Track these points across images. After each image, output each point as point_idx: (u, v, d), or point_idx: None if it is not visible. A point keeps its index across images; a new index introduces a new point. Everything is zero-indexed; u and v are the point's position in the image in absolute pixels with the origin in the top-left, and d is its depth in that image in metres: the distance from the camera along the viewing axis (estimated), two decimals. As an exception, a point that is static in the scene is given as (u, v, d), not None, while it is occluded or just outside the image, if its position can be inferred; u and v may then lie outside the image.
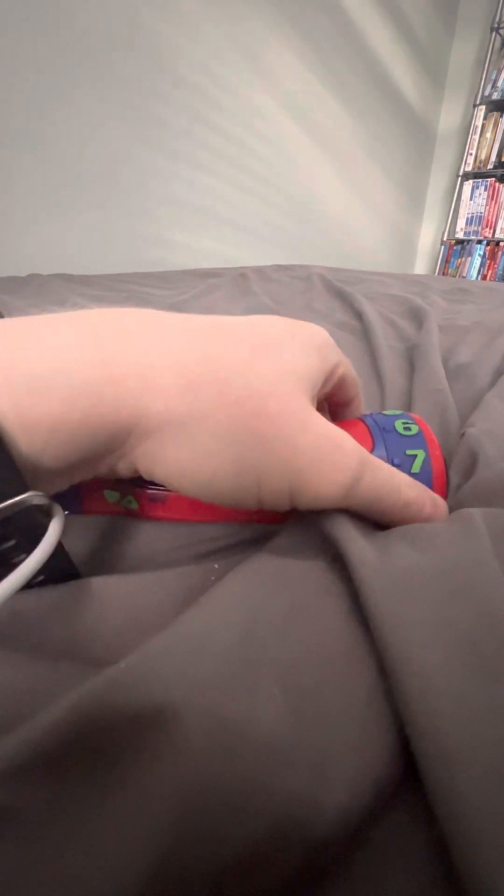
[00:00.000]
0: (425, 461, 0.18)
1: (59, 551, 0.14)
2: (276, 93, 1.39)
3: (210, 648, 0.11)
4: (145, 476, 0.14)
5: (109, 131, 1.03)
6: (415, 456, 0.18)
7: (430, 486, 0.18)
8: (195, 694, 0.10)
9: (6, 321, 0.13)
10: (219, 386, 0.13)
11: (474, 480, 0.20)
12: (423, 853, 0.09)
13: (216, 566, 0.16)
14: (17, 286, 0.72)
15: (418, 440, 0.19)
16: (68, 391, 0.12)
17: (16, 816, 0.09)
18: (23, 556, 0.12)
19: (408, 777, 0.10)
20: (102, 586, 0.15)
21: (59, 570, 0.15)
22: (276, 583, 0.13)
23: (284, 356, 0.15)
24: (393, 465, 0.18)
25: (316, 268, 0.98)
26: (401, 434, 0.19)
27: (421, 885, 0.09)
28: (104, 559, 0.17)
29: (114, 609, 0.14)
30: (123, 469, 0.14)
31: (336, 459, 0.14)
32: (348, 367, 0.19)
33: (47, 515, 0.13)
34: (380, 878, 0.09)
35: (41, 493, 0.12)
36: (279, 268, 1.02)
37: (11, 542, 0.12)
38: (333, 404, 0.21)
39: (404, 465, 0.18)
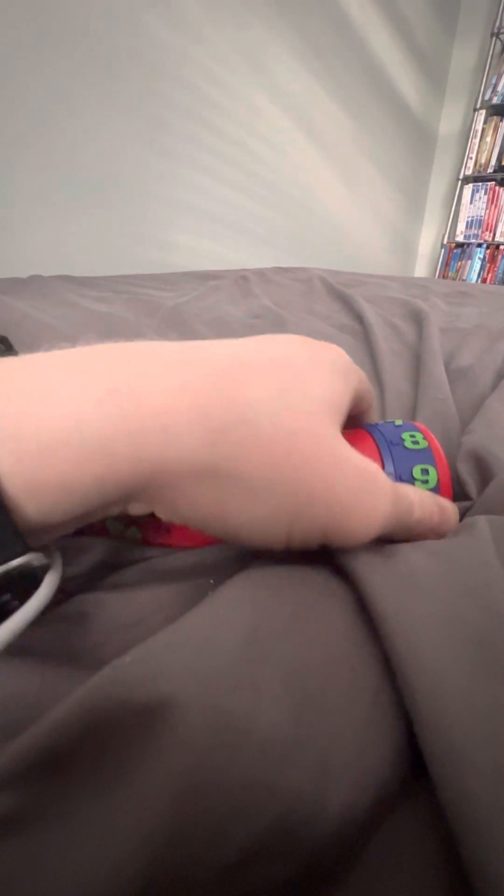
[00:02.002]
0: (433, 477, 0.18)
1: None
2: (278, 96, 1.39)
3: (214, 647, 0.11)
4: (163, 518, 0.13)
5: (112, 134, 1.03)
6: (425, 471, 0.18)
7: None
8: (199, 690, 0.10)
9: (9, 366, 0.11)
10: (246, 430, 0.12)
11: (496, 483, 0.20)
12: (428, 852, 0.09)
13: (212, 581, 0.16)
14: (19, 287, 0.72)
15: (426, 455, 0.18)
16: (81, 449, 0.11)
17: (25, 816, 0.09)
18: (16, 603, 0.12)
19: (412, 777, 0.10)
20: (99, 604, 0.15)
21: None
22: (280, 586, 0.13)
23: (311, 386, 0.14)
24: (401, 481, 0.18)
25: (316, 270, 0.98)
26: (408, 448, 0.18)
27: (425, 885, 0.09)
28: (101, 576, 0.17)
29: (110, 627, 0.14)
30: (138, 510, 0.13)
31: (375, 500, 0.13)
32: (364, 381, 0.18)
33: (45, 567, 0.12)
34: (384, 878, 0.09)
35: (41, 554, 0.12)
36: (280, 270, 1.02)
37: (7, 597, 0.11)
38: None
39: (411, 481, 0.18)
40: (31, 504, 0.11)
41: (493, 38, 1.90)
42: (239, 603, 0.13)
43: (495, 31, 1.89)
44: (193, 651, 0.11)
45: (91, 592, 0.15)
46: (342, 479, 0.13)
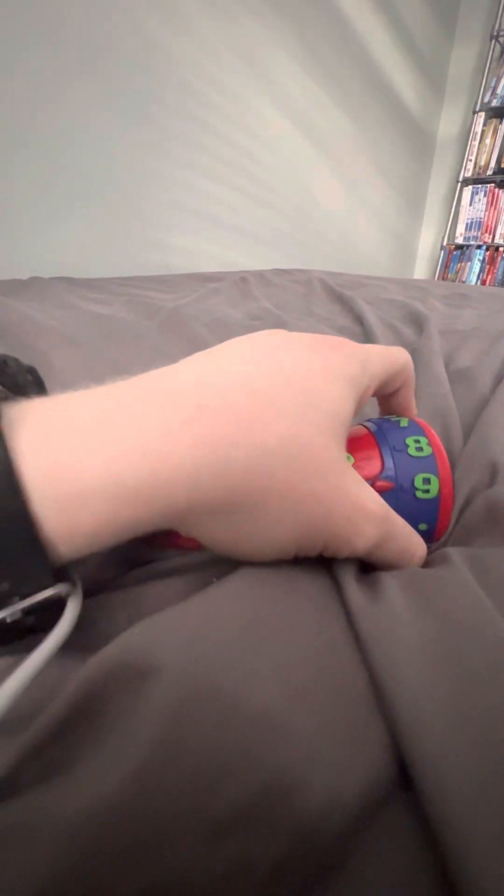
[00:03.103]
0: (434, 487, 0.18)
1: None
2: (278, 98, 1.39)
3: (213, 632, 0.12)
4: (183, 534, 0.14)
5: (111, 135, 1.04)
6: (426, 480, 0.18)
7: (437, 511, 0.18)
8: (196, 664, 0.11)
9: (48, 410, 0.12)
10: (265, 478, 0.13)
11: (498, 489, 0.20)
12: (418, 853, 0.10)
13: (214, 579, 0.16)
14: (19, 289, 0.72)
15: (430, 463, 0.18)
16: (115, 500, 0.12)
17: (55, 766, 0.10)
18: (37, 623, 0.12)
19: (401, 779, 0.10)
20: (105, 606, 0.15)
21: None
22: (279, 591, 0.14)
23: (323, 404, 0.14)
24: (401, 489, 0.18)
25: (316, 272, 0.99)
26: (412, 456, 0.18)
27: (414, 885, 0.09)
28: (108, 577, 0.17)
29: (116, 628, 0.14)
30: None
31: (363, 526, 0.15)
32: (391, 361, 0.18)
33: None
34: (372, 875, 0.09)
35: (68, 584, 0.13)
36: (280, 272, 1.02)
37: (31, 619, 0.12)
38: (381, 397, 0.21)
39: (412, 490, 0.18)
40: (64, 545, 0.12)
41: (493, 41, 1.91)
42: (239, 596, 0.13)
43: (494, 33, 1.90)
44: (193, 631, 0.12)
45: (98, 595, 0.16)
46: (341, 510, 0.14)
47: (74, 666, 0.12)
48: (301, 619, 0.13)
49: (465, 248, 2.20)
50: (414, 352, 0.43)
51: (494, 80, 1.97)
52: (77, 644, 0.13)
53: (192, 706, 0.10)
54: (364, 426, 0.20)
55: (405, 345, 0.48)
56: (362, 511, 0.15)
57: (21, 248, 0.95)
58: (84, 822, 0.08)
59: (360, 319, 0.57)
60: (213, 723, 0.10)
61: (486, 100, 1.98)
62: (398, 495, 0.18)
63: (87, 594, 0.16)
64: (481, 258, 2.16)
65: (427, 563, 0.17)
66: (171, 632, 0.12)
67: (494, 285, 2.09)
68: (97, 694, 0.10)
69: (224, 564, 0.17)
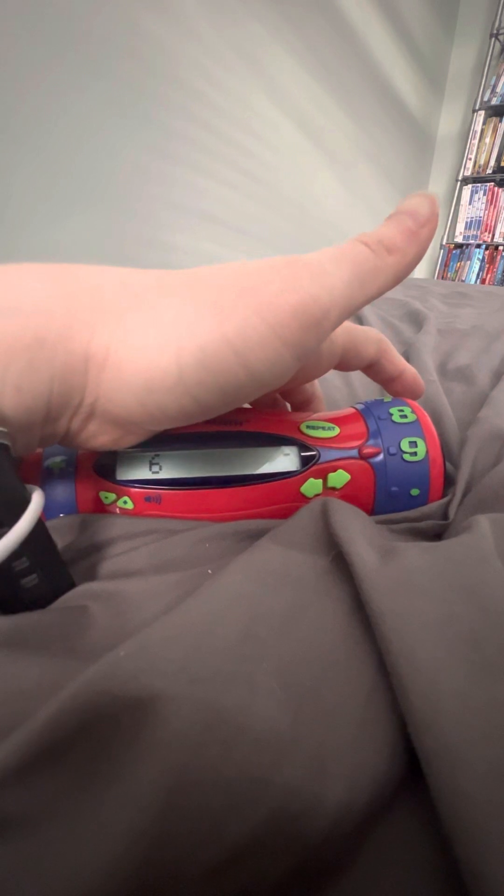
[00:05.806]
0: (421, 450, 0.19)
1: (48, 544, 0.14)
2: (277, 97, 1.39)
3: (209, 643, 0.11)
4: (112, 415, 0.14)
5: (109, 134, 1.03)
6: (413, 443, 0.19)
7: (429, 474, 0.19)
8: (193, 686, 0.10)
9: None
10: (172, 276, 0.14)
11: (491, 477, 0.20)
12: (424, 853, 0.09)
13: (209, 571, 0.16)
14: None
15: (415, 428, 0.19)
16: (20, 309, 0.12)
17: (22, 816, 0.09)
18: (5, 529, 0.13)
19: (408, 776, 0.10)
20: (97, 595, 0.15)
21: (50, 565, 0.15)
22: (277, 581, 0.13)
23: None
24: (388, 454, 0.18)
25: (316, 271, 0.98)
26: (396, 422, 0.19)
27: (422, 885, 0.09)
28: (100, 564, 0.17)
29: (107, 618, 0.14)
30: (91, 426, 0.15)
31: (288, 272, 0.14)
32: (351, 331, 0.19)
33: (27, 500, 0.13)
34: (380, 878, 0.09)
35: (6, 431, 0.13)
36: (279, 270, 1.02)
37: None
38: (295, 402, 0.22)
39: (400, 454, 0.18)
40: None
41: (492, 39, 1.90)
42: (234, 598, 0.13)
43: (494, 31, 1.89)
44: (188, 647, 0.11)
45: (89, 582, 0.16)
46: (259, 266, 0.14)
47: (56, 671, 0.11)
48: (302, 611, 0.12)
49: (464, 247, 2.20)
50: (409, 346, 0.44)
51: (494, 78, 1.97)
52: (64, 642, 0.13)
53: (195, 742, 0.09)
54: (353, 407, 0.21)
55: (403, 342, 0.48)
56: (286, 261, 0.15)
57: (20, 247, 0.95)
58: (86, 878, 0.08)
59: (359, 318, 0.57)
60: (218, 755, 0.09)
61: (485, 98, 1.98)
62: (387, 460, 0.18)
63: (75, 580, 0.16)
64: (481, 257, 2.16)
65: (447, 532, 0.17)
66: (164, 650, 0.11)
67: (494, 284, 2.09)
68: (75, 730, 0.09)
69: (218, 553, 0.17)
